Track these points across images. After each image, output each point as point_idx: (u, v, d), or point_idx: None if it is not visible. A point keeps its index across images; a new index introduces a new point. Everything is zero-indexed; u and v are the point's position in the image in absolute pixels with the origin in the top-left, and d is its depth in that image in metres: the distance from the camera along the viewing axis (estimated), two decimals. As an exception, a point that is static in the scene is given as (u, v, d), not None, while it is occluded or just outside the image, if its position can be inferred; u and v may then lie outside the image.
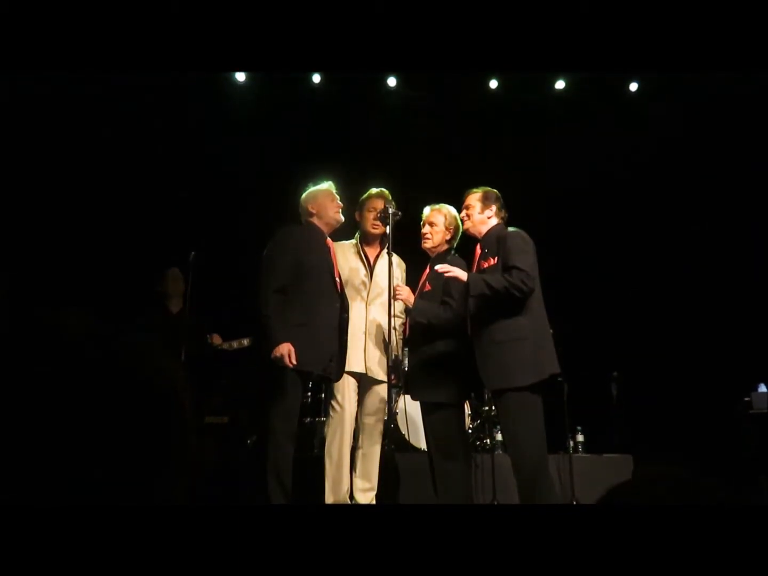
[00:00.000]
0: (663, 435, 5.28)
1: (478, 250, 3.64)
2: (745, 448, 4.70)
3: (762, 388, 4.89)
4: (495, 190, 3.70)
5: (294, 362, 3.42)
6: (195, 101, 5.77)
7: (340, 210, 3.87)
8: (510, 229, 3.59)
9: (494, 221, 3.65)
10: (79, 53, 3.39)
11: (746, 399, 4.86)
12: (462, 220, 3.74)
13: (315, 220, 3.83)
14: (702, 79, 5.28)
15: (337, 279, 3.76)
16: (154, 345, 0.66)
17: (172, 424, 0.63)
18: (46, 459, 0.57)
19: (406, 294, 3.72)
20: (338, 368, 3.73)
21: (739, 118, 5.61)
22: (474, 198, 3.68)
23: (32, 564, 0.55)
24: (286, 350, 3.41)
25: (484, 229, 3.65)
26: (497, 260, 3.47)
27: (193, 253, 4.73)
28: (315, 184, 3.92)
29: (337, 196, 3.89)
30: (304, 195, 3.91)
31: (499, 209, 3.66)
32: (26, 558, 0.55)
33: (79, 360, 0.60)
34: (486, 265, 3.52)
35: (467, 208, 3.70)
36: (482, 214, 3.64)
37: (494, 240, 3.54)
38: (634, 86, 6.18)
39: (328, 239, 3.85)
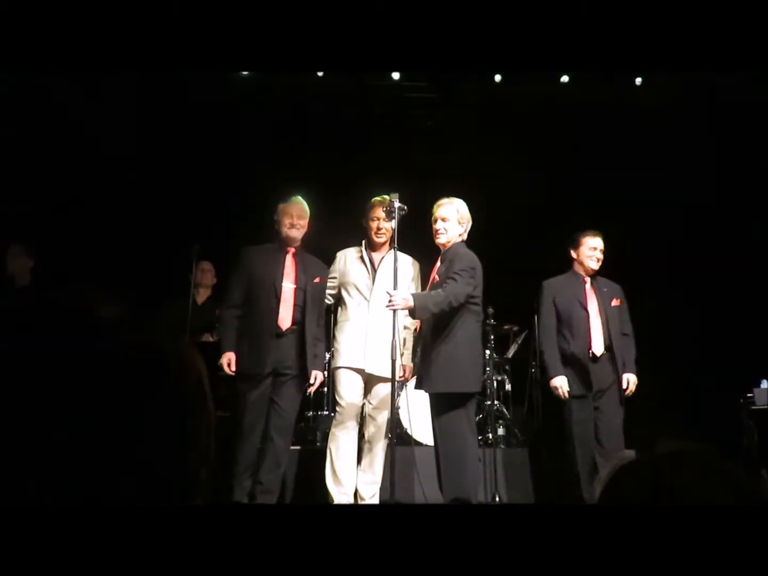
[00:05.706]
0: (664, 430, 5.26)
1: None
2: (746, 444, 4.70)
3: (764, 385, 4.87)
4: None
5: (233, 369, 3.85)
6: (195, 97, 5.75)
7: (294, 227, 4.00)
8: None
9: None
10: (79, 54, 3.43)
11: (748, 395, 4.84)
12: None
13: (277, 235, 4.05)
14: (704, 77, 5.24)
15: (284, 287, 3.92)
16: (172, 330, 0.65)
17: (193, 414, 0.62)
18: (52, 452, 0.56)
19: (400, 300, 3.54)
20: (299, 367, 3.92)
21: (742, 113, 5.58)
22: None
23: (32, 563, 0.55)
24: (225, 360, 3.85)
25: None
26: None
27: (195, 245, 4.73)
28: (285, 201, 4.07)
29: (296, 214, 4.00)
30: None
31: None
32: (25, 558, 0.55)
33: (101, 343, 0.59)
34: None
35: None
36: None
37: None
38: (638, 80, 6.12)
39: (290, 250, 4.01)
